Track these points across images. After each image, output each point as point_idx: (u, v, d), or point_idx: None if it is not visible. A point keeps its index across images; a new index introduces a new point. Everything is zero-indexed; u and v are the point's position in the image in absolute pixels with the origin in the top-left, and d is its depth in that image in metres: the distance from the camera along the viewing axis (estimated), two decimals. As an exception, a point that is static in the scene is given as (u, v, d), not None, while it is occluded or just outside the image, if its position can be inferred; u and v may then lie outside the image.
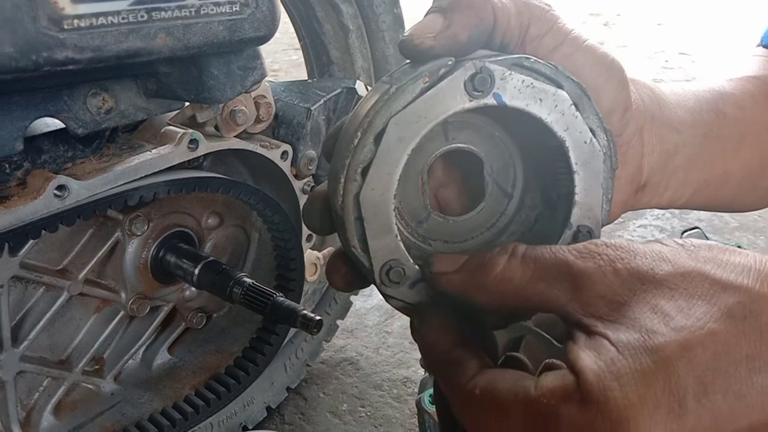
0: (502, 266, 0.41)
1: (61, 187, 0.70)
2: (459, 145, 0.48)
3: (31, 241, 0.78)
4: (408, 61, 0.46)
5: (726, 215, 2.19)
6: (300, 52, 1.42)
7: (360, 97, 1.03)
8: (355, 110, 0.46)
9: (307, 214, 0.49)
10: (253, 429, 1.34)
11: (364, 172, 0.42)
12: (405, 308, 0.46)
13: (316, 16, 1.30)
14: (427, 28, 0.44)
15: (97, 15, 0.53)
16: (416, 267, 0.45)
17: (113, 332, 0.95)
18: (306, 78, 1.42)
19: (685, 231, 1.59)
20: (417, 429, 1.40)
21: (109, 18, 0.54)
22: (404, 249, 0.44)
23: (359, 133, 0.42)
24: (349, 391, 1.53)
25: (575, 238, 0.45)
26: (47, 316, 0.87)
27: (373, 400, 1.51)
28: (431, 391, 1.09)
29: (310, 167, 1.00)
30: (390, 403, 1.50)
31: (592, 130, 0.44)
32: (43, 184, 0.70)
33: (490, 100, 0.42)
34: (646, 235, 2.11)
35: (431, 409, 1.11)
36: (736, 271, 0.37)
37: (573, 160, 0.44)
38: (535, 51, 0.47)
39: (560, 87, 0.44)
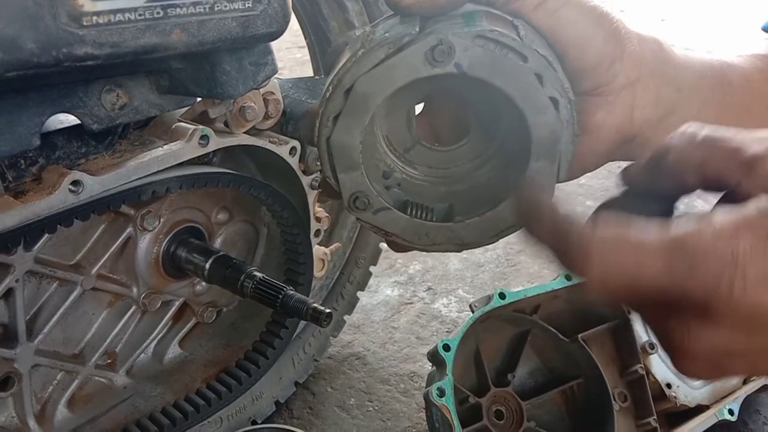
0: (681, 148, 0.45)
1: (75, 183, 0.71)
2: (445, 87, 0.53)
3: (46, 235, 0.79)
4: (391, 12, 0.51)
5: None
6: (305, 50, 1.43)
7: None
8: (336, 56, 0.52)
9: (302, 125, 0.53)
10: (261, 423, 1.36)
11: (335, 120, 0.49)
12: (372, 229, 0.53)
13: (321, 14, 1.30)
14: None
15: (114, 12, 0.55)
16: (379, 198, 0.52)
17: (125, 326, 0.97)
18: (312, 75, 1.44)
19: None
20: (425, 422, 1.41)
21: (127, 15, 0.55)
22: (369, 182, 0.51)
23: (331, 87, 0.48)
24: (356, 385, 1.54)
25: None
26: (61, 310, 0.88)
27: (381, 394, 1.52)
28: (439, 384, 1.10)
29: (318, 163, 1.01)
30: (397, 397, 1.51)
31: (554, 100, 0.48)
32: (58, 180, 0.71)
33: (450, 69, 0.46)
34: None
35: (439, 402, 1.12)
36: None
37: (531, 125, 0.48)
38: (520, 8, 0.49)
39: (525, 59, 0.47)
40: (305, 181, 1.02)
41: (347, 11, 1.30)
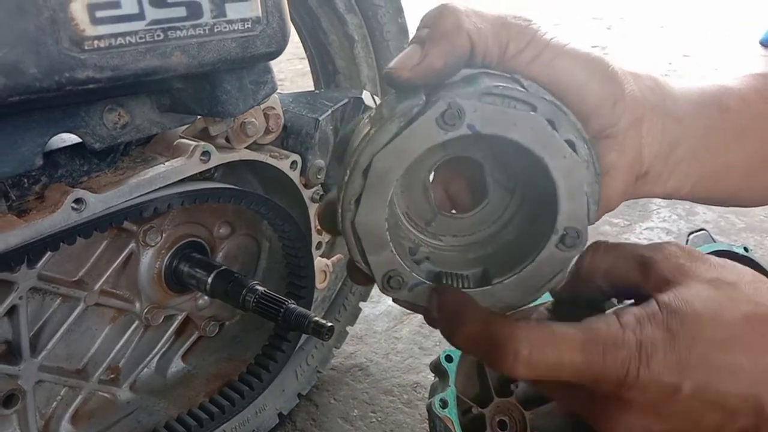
0: (590, 258, 0.53)
1: (78, 201, 0.72)
2: (456, 153, 0.53)
3: (49, 253, 0.80)
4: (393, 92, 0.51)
5: (732, 216, 2.20)
6: (305, 61, 1.44)
7: (366, 106, 1.05)
8: (345, 143, 0.52)
9: (322, 218, 0.55)
10: (265, 436, 1.36)
11: (357, 202, 0.48)
12: (409, 307, 0.53)
13: (321, 27, 1.32)
14: (406, 60, 0.48)
15: (116, 35, 0.55)
16: (413, 274, 0.51)
17: (128, 341, 0.97)
18: (312, 87, 1.44)
19: (692, 233, 1.60)
20: (426, 430, 1.41)
21: (128, 38, 0.56)
22: (400, 260, 0.50)
23: (349, 170, 0.48)
24: (359, 396, 1.54)
25: (562, 241, 0.50)
26: (64, 326, 0.89)
27: (384, 405, 1.52)
28: (442, 395, 1.10)
29: (318, 176, 1.02)
30: (400, 408, 1.51)
31: (570, 143, 0.48)
32: (60, 198, 0.71)
33: (464, 131, 0.46)
34: (652, 237, 2.11)
35: (442, 413, 1.12)
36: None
37: (554, 173, 0.47)
38: (516, 65, 0.50)
39: (534, 108, 0.47)
40: (306, 194, 1.03)
41: (346, 24, 1.32)
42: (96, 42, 0.54)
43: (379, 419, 1.49)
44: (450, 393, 1.11)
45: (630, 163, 0.56)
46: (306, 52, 1.41)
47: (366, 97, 1.05)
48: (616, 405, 0.48)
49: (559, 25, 4.52)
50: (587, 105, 0.51)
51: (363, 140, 0.47)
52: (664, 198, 0.65)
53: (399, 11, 1.37)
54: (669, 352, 0.46)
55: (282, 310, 0.87)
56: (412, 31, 1.33)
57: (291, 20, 1.30)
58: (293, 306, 0.88)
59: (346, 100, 1.03)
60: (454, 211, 0.57)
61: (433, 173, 0.56)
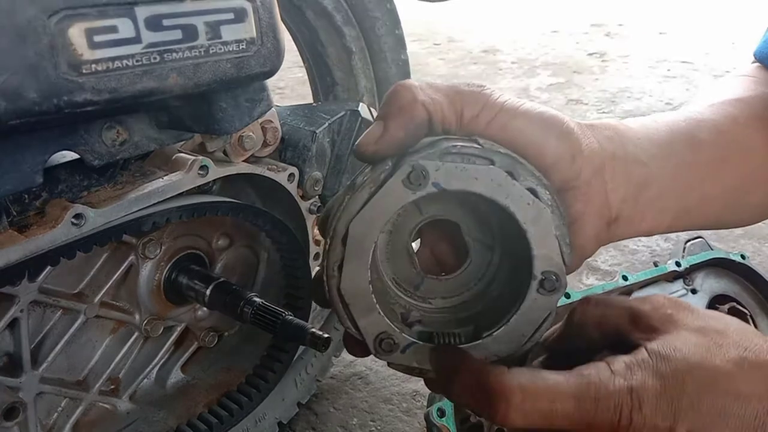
0: (581, 310, 0.55)
1: (78, 216, 0.73)
2: (433, 216, 0.55)
3: (49, 267, 0.81)
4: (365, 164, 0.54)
5: (731, 223, 2.20)
6: (305, 69, 1.45)
7: (363, 119, 1.06)
8: (327, 215, 0.54)
9: (313, 295, 0.57)
10: (265, 445, 1.36)
11: (340, 269, 0.50)
12: (404, 370, 0.53)
13: (320, 40, 1.33)
14: (371, 136, 0.52)
15: (113, 59, 0.57)
16: (403, 335, 0.52)
17: (128, 353, 0.98)
18: (311, 96, 1.46)
19: (689, 240, 1.61)
20: (426, 441, 1.42)
21: (124, 61, 0.58)
22: (389, 322, 0.51)
23: (329, 239, 0.50)
24: (359, 405, 1.54)
25: (542, 285, 0.51)
26: (65, 338, 0.89)
27: (383, 414, 1.53)
28: (440, 404, 1.11)
29: (316, 188, 1.03)
30: (399, 416, 1.51)
31: (532, 190, 0.50)
32: (61, 213, 0.73)
33: (430, 189, 0.49)
34: (650, 244, 2.12)
35: (440, 422, 1.12)
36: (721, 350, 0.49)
37: (521, 220, 0.50)
38: (473, 129, 0.52)
39: (492, 162, 0.49)
40: (304, 206, 1.04)
41: (344, 37, 1.33)
42: (94, 66, 0.56)
43: (378, 428, 1.50)
44: (448, 402, 1.11)
45: (598, 211, 0.57)
46: (305, 65, 1.42)
47: (362, 109, 1.07)
48: None
49: (557, 32, 4.53)
50: (546, 161, 0.53)
51: (339, 209, 0.50)
52: (643, 236, 0.66)
53: (396, 23, 1.39)
54: (661, 397, 0.47)
55: (279, 321, 0.88)
56: (418, 41, 1.34)
57: (290, 33, 1.32)
58: (290, 318, 0.88)
59: (342, 113, 1.04)
60: (442, 275, 0.58)
61: (415, 238, 0.58)
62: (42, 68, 0.53)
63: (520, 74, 3.72)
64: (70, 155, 0.77)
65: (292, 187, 1.00)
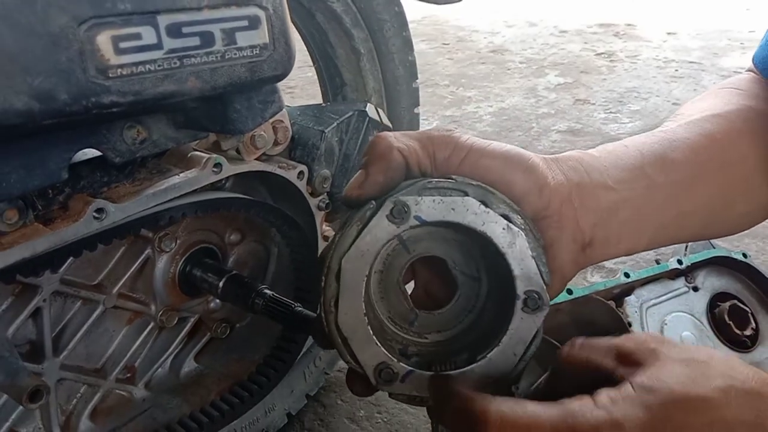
0: (567, 351, 0.56)
1: (99, 210, 0.77)
2: (421, 254, 0.58)
3: (71, 258, 0.85)
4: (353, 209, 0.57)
5: (735, 223, 2.21)
6: (313, 69, 1.49)
7: (371, 119, 1.09)
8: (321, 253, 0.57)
9: (313, 335, 0.61)
10: (274, 435, 1.40)
11: (336, 304, 0.53)
12: (405, 400, 0.56)
13: (329, 41, 1.37)
14: (354, 182, 0.56)
15: (137, 64, 0.61)
16: (401, 364, 0.54)
17: (144, 342, 1.01)
18: (320, 95, 1.49)
19: None
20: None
21: (147, 66, 0.62)
22: (387, 353, 0.54)
23: (323, 277, 0.54)
24: (366, 398, 1.58)
25: (526, 304, 0.54)
26: (84, 327, 0.93)
27: (389, 406, 1.55)
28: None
29: (324, 185, 1.07)
30: (405, 409, 1.54)
31: (506, 216, 0.54)
32: (83, 208, 0.76)
33: (413, 222, 0.53)
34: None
35: None
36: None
37: (499, 245, 0.54)
38: (447, 169, 0.57)
39: (466, 194, 0.54)
40: (313, 202, 1.07)
41: (353, 39, 1.36)
42: (119, 70, 0.60)
43: (385, 420, 1.53)
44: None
45: (571, 236, 0.60)
46: (314, 65, 1.46)
47: (370, 110, 1.10)
48: None
49: (566, 32, 4.54)
50: (515, 194, 0.56)
51: (331, 247, 0.54)
52: (625, 255, 0.68)
53: (404, 25, 1.42)
54: (645, 428, 0.47)
55: (289, 313, 0.91)
56: (428, 41, 1.37)
57: (300, 35, 1.36)
58: (300, 309, 0.92)
59: (350, 113, 1.08)
60: (435, 311, 0.61)
61: (406, 278, 0.61)
62: (72, 72, 0.57)
63: (528, 74, 3.73)
64: (92, 153, 0.81)
65: (301, 185, 1.03)
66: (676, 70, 3.64)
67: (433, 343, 0.59)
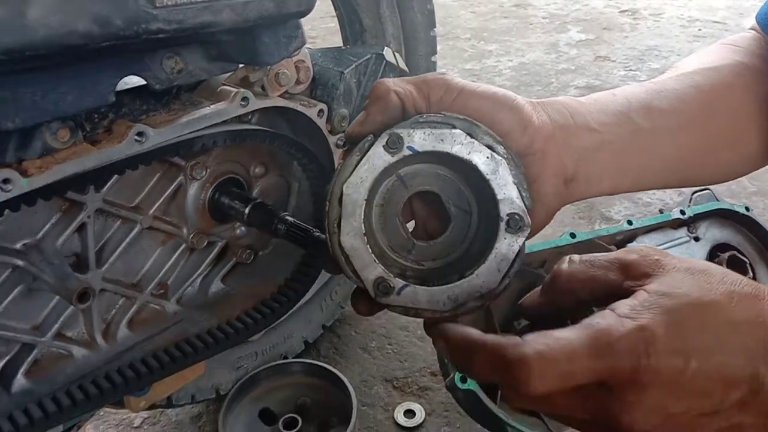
0: (567, 269, 0.57)
1: (140, 134, 0.85)
2: (418, 189, 0.64)
3: (113, 179, 0.93)
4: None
5: (745, 181, 2.25)
6: (336, 20, 1.54)
7: (388, 62, 1.16)
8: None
9: (322, 264, 0.65)
10: (292, 359, 1.50)
11: (339, 225, 0.59)
12: (402, 311, 0.61)
13: (350, -12, 1.41)
14: (356, 121, 0.62)
15: (180, -5, 0.69)
16: (397, 279, 0.60)
17: (176, 262, 1.08)
18: (340, 44, 1.55)
19: (695, 192, 1.67)
20: (437, 365, 1.54)
21: (189, -1, 0.70)
22: (384, 268, 0.60)
23: (327, 201, 0.60)
24: (378, 331, 1.67)
25: (509, 225, 0.60)
26: (123, 245, 1.00)
27: (399, 339, 1.65)
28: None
29: (343, 124, 1.13)
30: (414, 342, 1.64)
31: (489, 146, 0.60)
32: (125, 131, 0.85)
33: (406, 152, 0.59)
34: (664, 198, 2.19)
35: (465, 387, 1.21)
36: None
37: (483, 172, 0.60)
38: (440, 109, 0.62)
39: (454, 126, 0.60)
40: (331, 140, 1.14)
41: (374, -15, 1.41)
42: (165, 1, 0.68)
43: (395, 351, 1.63)
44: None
45: (554, 171, 0.65)
46: (336, 12, 1.50)
47: (387, 53, 1.16)
48: (633, 391, 0.48)
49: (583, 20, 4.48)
50: (501, 131, 0.62)
51: (335, 175, 0.60)
52: (609, 194, 0.73)
53: (423, -27, 1.46)
54: (671, 331, 0.48)
55: (308, 237, 1.00)
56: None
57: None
58: (317, 234, 1.00)
59: (369, 56, 1.14)
60: (430, 241, 0.66)
61: (405, 214, 0.66)
62: (125, 1, 0.65)
63: (550, 29, 3.73)
64: (132, 83, 0.89)
65: (321, 122, 1.10)
66: (699, 30, 3.61)
67: (428, 269, 0.65)
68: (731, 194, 2.16)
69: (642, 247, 0.56)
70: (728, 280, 0.52)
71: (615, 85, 2.98)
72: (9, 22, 0.58)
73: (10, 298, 0.91)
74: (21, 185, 0.76)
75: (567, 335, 0.49)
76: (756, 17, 0.88)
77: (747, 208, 1.65)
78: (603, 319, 0.49)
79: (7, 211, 0.78)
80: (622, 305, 0.50)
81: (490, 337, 0.52)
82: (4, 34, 0.57)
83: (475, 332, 0.53)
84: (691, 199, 1.68)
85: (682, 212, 1.60)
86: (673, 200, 2.18)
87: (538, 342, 0.49)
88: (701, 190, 1.69)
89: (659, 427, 0.49)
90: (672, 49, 3.36)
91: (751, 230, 1.66)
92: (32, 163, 0.78)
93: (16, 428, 0.86)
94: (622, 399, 0.49)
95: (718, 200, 1.68)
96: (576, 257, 0.57)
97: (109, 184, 0.94)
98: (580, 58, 3.29)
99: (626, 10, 3.99)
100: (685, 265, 0.53)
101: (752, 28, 0.90)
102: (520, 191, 0.60)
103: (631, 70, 3.13)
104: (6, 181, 0.75)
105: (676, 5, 4.03)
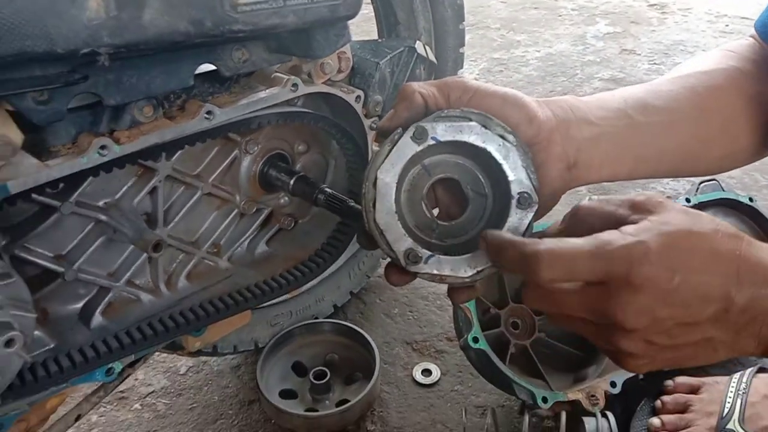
0: (586, 204, 0.65)
1: (209, 112, 1.00)
2: (439, 176, 0.72)
3: (185, 147, 1.08)
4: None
5: (757, 174, 2.31)
6: (371, 6, 1.62)
7: (419, 55, 1.29)
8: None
9: (357, 239, 0.77)
10: (323, 319, 1.65)
11: (374, 205, 0.67)
12: (429, 278, 0.68)
13: (386, -18, 1.53)
14: (386, 117, 0.70)
15: (256, 2, 0.84)
16: (424, 250, 0.67)
17: (228, 225, 1.20)
18: (375, 32, 1.66)
19: (703, 182, 1.75)
20: (453, 332, 1.66)
21: (263, 5, 0.85)
22: (413, 241, 0.67)
23: (364, 185, 0.68)
24: (400, 299, 1.80)
25: (519, 202, 0.68)
26: (185, 208, 1.12)
27: (420, 307, 1.77)
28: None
29: (377, 109, 1.26)
30: (433, 310, 1.76)
31: (501, 136, 0.68)
32: (197, 109, 0.99)
33: (431, 142, 0.68)
34: (677, 187, 2.25)
35: (464, 305, 1.36)
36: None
37: (497, 157, 0.68)
38: (459, 105, 0.70)
39: (470, 120, 0.68)
40: (366, 123, 1.26)
41: (409, -20, 1.52)
42: (244, 7, 0.83)
43: (415, 317, 1.75)
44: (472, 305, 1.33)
45: (557, 158, 0.72)
46: (372, 5, 1.61)
47: (418, 46, 1.28)
48: (627, 292, 0.56)
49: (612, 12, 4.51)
50: (510, 123, 0.69)
51: (371, 162, 0.68)
52: (609, 181, 0.79)
53: (453, -30, 1.55)
54: (664, 249, 0.56)
55: (344, 206, 1.14)
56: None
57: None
58: (352, 204, 1.14)
59: (402, 49, 1.26)
60: (451, 221, 0.73)
61: (429, 198, 0.73)
62: (213, 7, 0.81)
63: (578, 21, 3.78)
64: (201, 69, 1.04)
65: (358, 107, 1.22)
66: (727, 26, 3.64)
67: (450, 245, 0.72)
68: (743, 186, 2.22)
69: (649, 192, 0.66)
70: (716, 221, 0.61)
71: (639, 78, 3.04)
72: (129, 23, 0.74)
73: (93, 247, 1.06)
74: (115, 151, 0.92)
75: (576, 240, 0.58)
76: (754, 25, 0.94)
77: (750, 199, 1.72)
78: (608, 235, 0.58)
79: (95, 174, 0.93)
80: (627, 228, 0.58)
81: (517, 238, 0.63)
82: (126, 32, 0.73)
83: (507, 234, 0.64)
84: (698, 188, 1.76)
85: (688, 200, 1.69)
86: (685, 189, 2.26)
87: (551, 242, 0.59)
88: (709, 180, 1.77)
89: (647, 328, 0.57)
90: (697, 44, 3.40)
91: (755, 220, 1.72)
92: (122, 134, 0.94)
93: (98, 355, 1.03)
94: (617, 297, 0.56)
95: (723, 190, 1.75)
96: (595, 197, 0.70)
97: (177, 154, 1.09)
98: (606, 50, 3.35)
99: (655, 4, 4.03)
100: (682, 208, 0.62)
101: (751, 35, 0.96)
102: (528, 173, 0.68)
103: (655, 63, 3.18)
104: (103, 147, 0.91)
105: (704, 0, 4.05)
